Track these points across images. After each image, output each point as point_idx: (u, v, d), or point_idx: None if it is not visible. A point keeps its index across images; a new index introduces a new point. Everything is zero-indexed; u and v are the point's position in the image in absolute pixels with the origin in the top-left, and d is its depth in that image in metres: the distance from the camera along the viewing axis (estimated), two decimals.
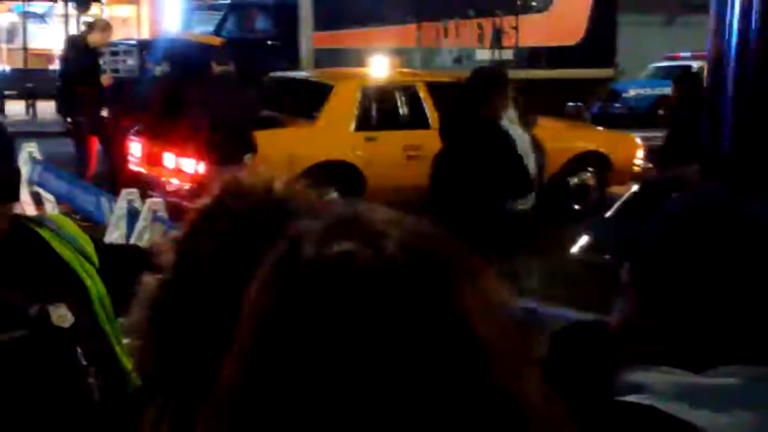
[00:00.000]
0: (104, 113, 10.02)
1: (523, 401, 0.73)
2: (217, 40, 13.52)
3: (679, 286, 1.21)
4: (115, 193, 7.40)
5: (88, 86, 9.65)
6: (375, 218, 0.79)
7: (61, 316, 1.76)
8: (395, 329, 0.72)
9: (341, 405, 0.71)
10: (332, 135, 9.56)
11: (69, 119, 9.74)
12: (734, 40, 2.93)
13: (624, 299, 1.28)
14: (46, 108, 17.53)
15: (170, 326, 1.05)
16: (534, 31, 17.37)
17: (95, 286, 1.86)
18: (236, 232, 1.03)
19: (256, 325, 0.76)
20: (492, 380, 0.72)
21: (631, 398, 1.16)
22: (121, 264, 1.86)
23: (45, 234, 1.88)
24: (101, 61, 10.97)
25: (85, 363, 1.76)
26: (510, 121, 6.60)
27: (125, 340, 1.75)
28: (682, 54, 22.57)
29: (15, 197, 1.88)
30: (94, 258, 1.92)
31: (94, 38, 9.89)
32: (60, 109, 10.01)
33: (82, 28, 15.68)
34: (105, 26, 10.25)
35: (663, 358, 1.18)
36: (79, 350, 1.76)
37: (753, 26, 2.87)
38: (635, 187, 6.16)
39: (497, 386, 0.72)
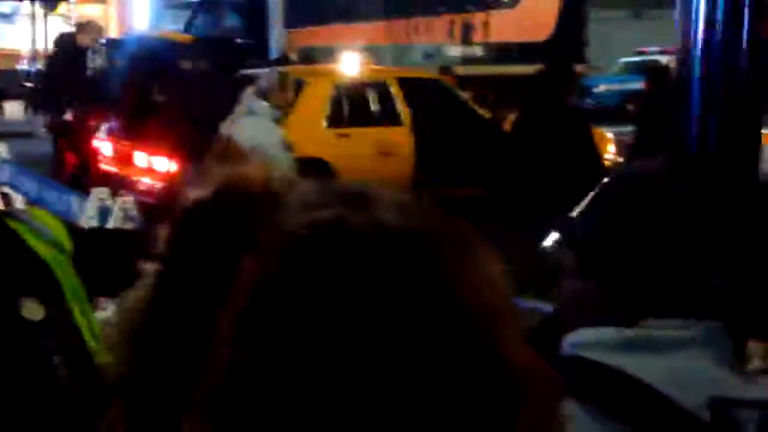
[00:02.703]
0: (68, 115, 9.91)
1: (512, 363, 0.74)
2: (186, 38, 13.45)
3: (613, 261, 1.24)
4: (86, 192, 7.35)
5: (74, 86, 9.58)
6: (360, 188, 0.80)
7: (32, 309, 1.76)
8: (390, 291, 0.72)
9: (339, 373, 0.71)
10: (304, 131, 9.53)
11: (51, 118, 9.66)
12: (701, 34, 2.96)
13: (565, 282, 1.31)
14: (14, 108, 17.34)
15: (155, 317, 1.04)
16: (504, 26, 17.44)
17: (68, 279, 1.86)
18: (230, 223, 1.02)
19: (247, 300, 0.75)
20: (480, 340, 0.73)
21: (564, 352, 1.19)
22: (105, 248, 1.85)
23: (19, 228, 1.87)
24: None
25: (54, 355, 1.76)
26: (258, 114, 6.57)
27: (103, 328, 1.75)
28: (649, 49, 22.72)
29: None
30: (66, 245, 1.91)
31: (83, 39, 9.82)
32: (41, 108, 9.93)
33: (50, 27, 15.53)
34: (96, 30, 10.18)
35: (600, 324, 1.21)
36: (49, 343, 1.76)
37: (719, 19, 2.90)
38: (604, 181, 6.23)
39: (487, 348, 0.73)
